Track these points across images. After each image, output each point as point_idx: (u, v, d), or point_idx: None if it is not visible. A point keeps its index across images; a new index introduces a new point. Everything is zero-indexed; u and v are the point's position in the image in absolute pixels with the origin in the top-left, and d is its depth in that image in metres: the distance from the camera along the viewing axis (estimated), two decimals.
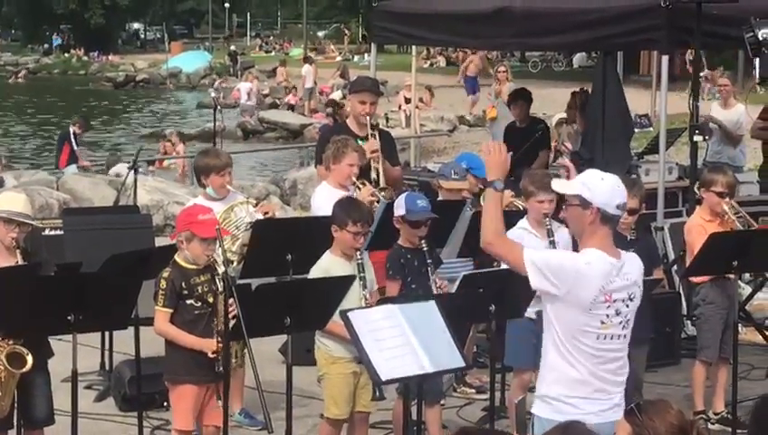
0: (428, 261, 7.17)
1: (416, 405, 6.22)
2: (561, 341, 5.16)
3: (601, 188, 5.14)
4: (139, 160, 13.38)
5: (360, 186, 8.20)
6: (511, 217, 7.86)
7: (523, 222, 7.59)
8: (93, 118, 39.91)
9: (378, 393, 6.67)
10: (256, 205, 7.99)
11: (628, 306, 5.19)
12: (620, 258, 5.19)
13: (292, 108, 38.16)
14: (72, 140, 22.29)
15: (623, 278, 5.16)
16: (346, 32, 70.12)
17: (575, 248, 7.23)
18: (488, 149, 5.40)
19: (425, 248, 7.19)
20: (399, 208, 7.26)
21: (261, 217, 7.84)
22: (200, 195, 8.19)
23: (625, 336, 5.23)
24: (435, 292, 6.96)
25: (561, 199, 7.47)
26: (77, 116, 26.01)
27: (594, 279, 5.08)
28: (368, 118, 9.10)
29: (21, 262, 6.50)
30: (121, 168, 21.00)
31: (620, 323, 5.18)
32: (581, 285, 5.07)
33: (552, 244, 7.37)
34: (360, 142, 8.75)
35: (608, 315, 5.13)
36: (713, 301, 8.16)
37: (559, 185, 5.38)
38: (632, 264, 5.27)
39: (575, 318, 5.11)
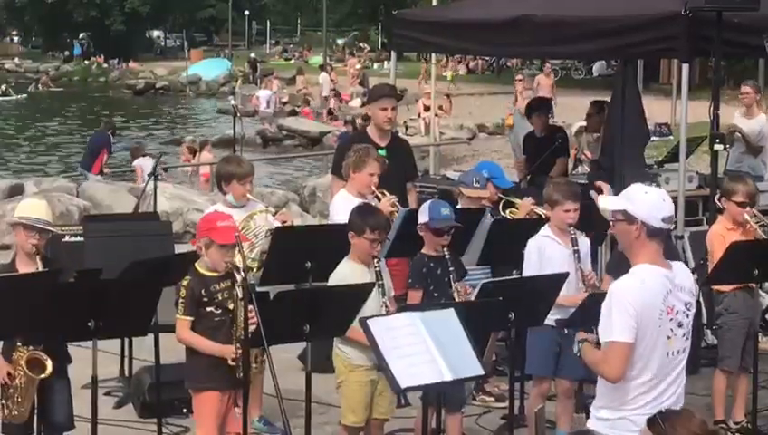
0: (450, 269, 7.16)
1: (435, 413, 6.22)
2: (632, 363, 5.08)
3: (645, 201, 5.11)
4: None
5: (380, 195, 8.19)
6: (531, 226, 7.88)
7: (545, 230, 7.59)
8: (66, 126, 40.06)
9: (403, 400, 6.67)
10: (275, 214, 8.00)
11: (687, 316, 5.17)
12: (672, 269, 5.16)
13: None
14: (111, 146, 22.34)
15: (678, 288, 5.14)
16: (363, 45, 70.18)
17: (594, 255, 7.26)
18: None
19: (447, 256, 7.18)
20: (423, 216, 7.26)
21: (279, 225, 7.84)
22: (220, 202, 8.19)
23: (685, 350, 5.21)
24: (457, 300, 6.94)
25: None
26: (107, 121, 25.93)
27: (654, 294, 5.06)
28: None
29: (41, 268, 6.53)
30: (143, 161, 20.99)
31: (683, 335, 5.17)
32: (647, 304, 5.04)
33: (576, 253, 7.36)
34: (380, 152, 8.75)
35: (672, 329, 5.11)
36: (736, 310, 8.14)
37: (604, 202, 5.34)
38: (683, 273, 5.24)
39: (645, 339, 5.06)
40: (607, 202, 5.31)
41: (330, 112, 36.97)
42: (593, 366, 5.25)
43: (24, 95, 55.30)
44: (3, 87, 55.38)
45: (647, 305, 5.04)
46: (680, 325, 5.14)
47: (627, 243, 5.18)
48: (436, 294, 7.15)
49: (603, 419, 5.21)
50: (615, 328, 5.05)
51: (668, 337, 5.11)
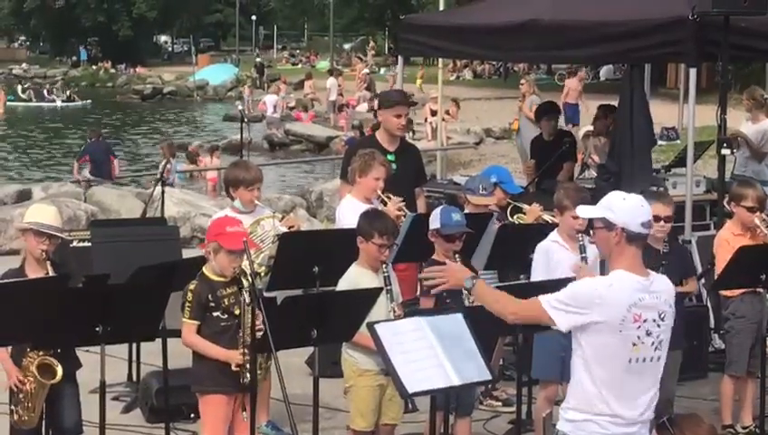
0: None
1: (444, 418, 6.22)
2: (591, 363, 5.14)
3: (624, 207, 5.15)
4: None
5: (386, 199, 8.20)
6: (538, 231, 7.88)
7: (553, 235, 7.59)
8: (121, 130, 40.20)
9: (410, 405, 6.67)
10: (282, 219, 7.99)
11: (659, 326, 5.15)
12: (649, 277, 5.18)
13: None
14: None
15: (653, 297, 5.14)
16: (372, 43, 70.25)
17: (602, 262, 7.25)
18: (434, 273, 5.78)
19: (458, 262, 7.17)
20: (434, 222, 7.25)
21: (286, 230, 7.85)
22: (228, 207, 8.20)
23: (658, 359, 5.19)
24: (467, 305, 6.93)
25: None
26: (93, 129, 25.74)
27: (619, 300, 5.06)
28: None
29: (51, 273, 6.54)
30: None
31: (652, 344, 5.14)
32: (606, 307, 5.06)
33: (584, 259, 7.36)
34: (389, 157, 8.77)
35: (638, 337, 5.10)
36: (743, 315, 8.13)
37: (584, 211, 5.40)
38: (662, 283, 5.25)
39: (606, 342, 5.09)
40: (586, 211, 5.34)
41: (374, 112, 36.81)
42: (492, 301, 5.39)
43: (89, 100, 55.75)
44: (68, 92, 55.97)
45: (604, 309, 5.05)
46: (648, 334, 5.12)
47: (607, 250, 5.22)
48: (448, 301, 7.14)
49: (570, 420, 5.23)
50: (559, 302, 5.12)
51: (633, 344, 5.10)
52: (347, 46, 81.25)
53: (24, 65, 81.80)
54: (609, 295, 5.07)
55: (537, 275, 7.44)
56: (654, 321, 5.14)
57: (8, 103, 52.85)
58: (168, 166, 19.43)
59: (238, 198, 7.97)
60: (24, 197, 17.22)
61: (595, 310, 5.06)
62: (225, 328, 6.58)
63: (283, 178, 28.18)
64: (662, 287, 5.23)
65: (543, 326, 6.84)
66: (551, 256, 7.43)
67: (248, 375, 6.47)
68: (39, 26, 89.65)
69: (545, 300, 5.17)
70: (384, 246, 6.79)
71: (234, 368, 6.48)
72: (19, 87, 57.20)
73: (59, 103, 54.09)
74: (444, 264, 7.20)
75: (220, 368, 6.56)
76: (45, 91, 56.46)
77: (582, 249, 7.42)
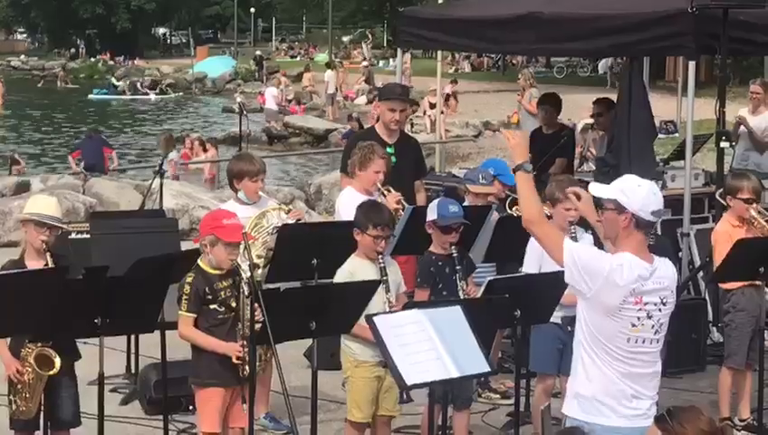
0: (457, 267, 7.16)
1: (442, 410, 6.23)
2: (592, 343, 5.21)
3: (638, 194, 5.19)
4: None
5: (386, 192, 8.20)
6: None
7: None
8: (118, 122, 40.18)
9: (405, 396, 6.67)
10: (288, 211, 7.97)
11: (660, 310, 5.22)
12: (653, 263, 5.22)
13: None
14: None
15: (656, 282, 5.19)
16: (369, 36, 70.14)
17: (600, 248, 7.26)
18: (507, 136, 5.69)
19: (455, 254, 7.19)
20: (431, 213, 7.26)
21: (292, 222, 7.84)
22: (231, 199, 8.20)
23: (657, 341, 5.26)
24: (462, 298, 6.94)
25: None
26: (91, 128, 25.81)
27: (623, 282, 5.11)
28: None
29: (51, 264, 6.54)
30: (175, 155, 21.07)
31: (652, 326, 5.21)
32: (609, 287, 5.11)
33: None
34: (388, 150, 8.77)
35: (638, 318, 5.16)
36: (744, 308, 8.14)
37: (596, 189, 5.39)
38: (665, 269, 5.29)
39: (601, 321, 5.16)
40: (599, 190, 5.36)
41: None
42: (528, 195, 5.41)
43: (180, 93, 56.11)
44: (161, 86, 56.46)
45: (608, 286, 5.11)
46: (649, 317, 5.19)
47: (613, 232, 5.27)
48: (445, 293, 7.15)
49: (578, 402, 5.27)
50: (579, 258, 5.16)
51: (633, 325, 5.16)
52: (346, 39, 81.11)
53: (22, 57, 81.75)
54: (616, 274, 5.11)
55: (529, 267, 7.43)
56: (655, 305, 5.19)
57: (102, 96, 53.70)
58: (173, 158, 19.54)
59: (243, 190, 7.97)
60: (22, 188, 17.22)
61: (597, 283, 5.11)
62: (223, 321, 6.59)
63: (282, 170, 28.17)
64: (665, 273, 5.27)
65: (541, 319, 6.91)
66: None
67: (247, 368, 6.48)
68: (38, 18, 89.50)
69: (569, 247, 5.22)
70: (380, 238, 6.80)
71: (234, 361, 6.48)
72: (113, 79, 57.43)
73: (152, 97, 54.38)
74: (441, 256, 7.24)
75: (218, 360, 6.56)
76: (139, 85, 56.77)
77: (575, 240, 7.41)
